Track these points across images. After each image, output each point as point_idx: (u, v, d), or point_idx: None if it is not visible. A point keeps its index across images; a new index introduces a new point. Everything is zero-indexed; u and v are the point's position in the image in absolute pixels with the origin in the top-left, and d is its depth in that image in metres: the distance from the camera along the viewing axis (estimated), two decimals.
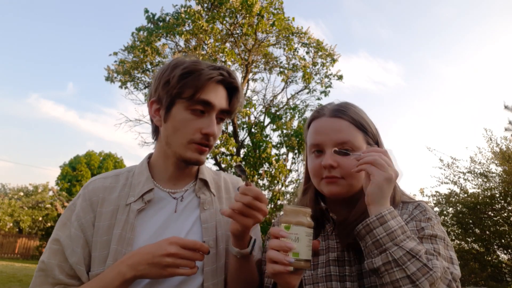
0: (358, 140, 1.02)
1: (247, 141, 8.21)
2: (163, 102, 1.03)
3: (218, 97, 1.02)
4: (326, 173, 1.00)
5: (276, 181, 7.46)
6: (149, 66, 8.07)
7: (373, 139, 1.07)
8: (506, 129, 8.49)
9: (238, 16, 7.68)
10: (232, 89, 1.08)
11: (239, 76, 8.25)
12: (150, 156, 1.14)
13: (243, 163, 7.63)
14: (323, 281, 0.98)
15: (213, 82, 1.01)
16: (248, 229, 0.93)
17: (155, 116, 1.07)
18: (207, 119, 1.01)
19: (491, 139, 7.22)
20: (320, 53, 8.44)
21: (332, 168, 0.99)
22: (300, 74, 8.53)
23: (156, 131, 1.10)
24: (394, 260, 0.78)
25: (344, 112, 1.06)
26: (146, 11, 7.90)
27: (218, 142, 7.04)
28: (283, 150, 8.20)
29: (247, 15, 7.48)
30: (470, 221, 7.12)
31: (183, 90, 0.99)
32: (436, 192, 7.81)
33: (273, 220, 7.24)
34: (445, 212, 7.57)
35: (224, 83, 1.05)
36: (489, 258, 7.03)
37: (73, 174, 26.58)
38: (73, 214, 1.00)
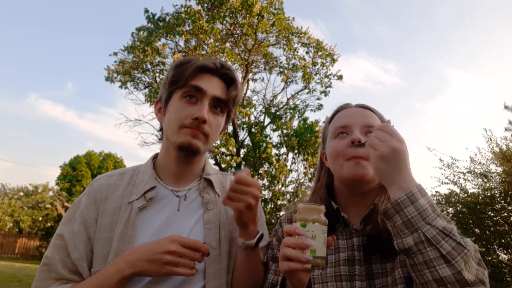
0: None
1: (247, 141, 8.20)
2: (162, 99, 1.08)
3: (211, 85, 1.04)
4: (353, 153, 0.99)
5: (276, 181, 7.46)
6: (149, 66, 8.07)
7: None
8: (506, 129, 8.49)
9: (238, 16, 7.68)
10: (229, 80, 1.09)
11: (239, 76, 8.19)
12: (155, 156, 1.16)
13: (243, 163, 7.62)
14: (332, 281, 0.97)
15: (206, 71, 1.05)
16: (243, 213, 0.95)
17: (158, 114, 1.11)
18: (199, 105, 1.02)
19: (491, 139, 7.22)
20: (320, 53, 8.44)
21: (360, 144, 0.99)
22: (300, 74, 8.53)
23: (161, 130, 1.13)
24: (428, 240, 0.75)
25: (370, 107, 1.12)
26: (146, 11, 7.90)
27: (218, 142, 7.04)
28: (283, 150, 8.21)
29: (247, 15, 7.48)
30: (470, 221, 7.11)
31: (176, 79, 1.03)
32: (436, 192, 7.81)
33: (276, 219, 7.23)
34: (445, 212, 7.57)
35: (218, 74, 1.07)
36: (489, 258, 7.03)
37: (73, 174, 26.58)
38: (77, 210, 1.01)
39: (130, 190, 1.04)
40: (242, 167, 7.59)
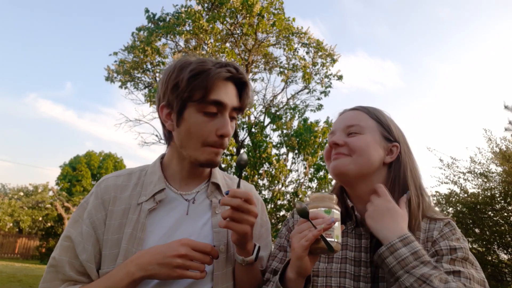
0: (368, 125, 1.07)
1: (247, 141, 8.20)
2: (173, 107, 1.00)
3: (229, 95, 1.00)
4: (333, 152, 1.07)
5: (276, 181, 7.46)
6: (149, 66, 8.07)
7: (391, 135, 1.09)
8: (506, 129, 8.50)
9: (238, 16, 7.68)
10: (241, 85, 1.05)
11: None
12: (163, 156, 1.14)
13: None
14: (336, 276, 0.99)
15: (222, 80, 0.99)
16: (247, 235, 0.92)
17: (166, 121, 1.04)
18: (220, 119, 0.98)
19: (491, 139, 7.23)
20: (320, 53, 8.44)
21: (338, 146, 1.05)
22: (300, 74, 8.52)
23: (168, 135, 1.08)
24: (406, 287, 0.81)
25: (362, 106, 1.14)
26: (147, 10, 7.90)
27: None
28: (283, 150, 8.20)
29: (248, 15, 7.48)
30: (470, 221, 7.12)
31: (193, 93, 0.96)
32: (436, 192, 7.83)
33: (276, 219, 7.20)
34: (445, 212, 7.58)
35: (232, 79, 1.02)
36: (489, 258, 7.04)
37: (73, 174, 26.61)
38: (85, 211, 1.00)
39: (138, 191, 1.03)
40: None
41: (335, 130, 1.11)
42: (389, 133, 1.09)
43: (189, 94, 0.96)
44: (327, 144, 1.11)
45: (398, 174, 1.06)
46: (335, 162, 1.05)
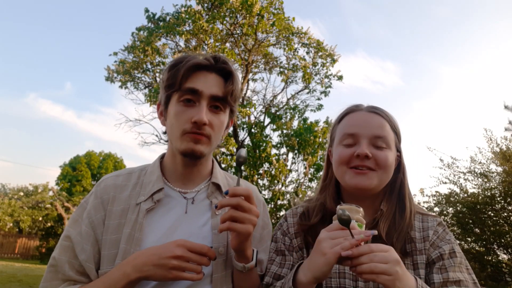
0: (392, 139, 1.06)
1: (247, 141, 8.20)
2: (162, 102, 1.05)
3: (207, 83, 0.99)
4: (357, 162, 1.01)
5: (276, 181, 7.46)
6: (149, 66, 8.07)
7: (400, 144, 1.12)
8: (506, 129, 8.49)
9: (238, 16, 7.68)
10: (227, 75, 1.03)
11: (239, 76, 8.11)
12: (163, 156, 1.14)
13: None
14: (336, 277, 1.00)
15: (201, 69, 1.00)
16: (249, 237, 0.90)
17: (160, 117, 1.08)
18: (197, 107, 0.98)
19: (491, 139, 7.22)
20: (320, 53, 8.44)
21: (367, 158, 1.01)
22: (300, 74, 8.53)
23: (165, 133, 1.10)
24: None
25: (382, 110, 1.10)
26: (147, 10, 7.91)
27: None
28: (283, 150, 8.21)
29: (247, 15, 7.48)
30: (470, 221, 7.11)
31: (172, 82, 0.99)
32: (436, 192, 7.81)
33: (276, 219, 7.21)
34: (445, 212, 7.57)
35: (214, 70, 1.02)
36: (489, 258, 7.03)
37: (73, 174, 26.61)
38: (84, 211, 1.00)
39: (137, 191, 1.03)
40: (242, 166, 7.58)
41: (359, 135, 1.03)
42: (399, 142, 1.12)
43: (168, 83, 1.00)
44: (345, 150, 1.04)
45: (396, 178, 1.09)
46: (362, 178, 1.00)
